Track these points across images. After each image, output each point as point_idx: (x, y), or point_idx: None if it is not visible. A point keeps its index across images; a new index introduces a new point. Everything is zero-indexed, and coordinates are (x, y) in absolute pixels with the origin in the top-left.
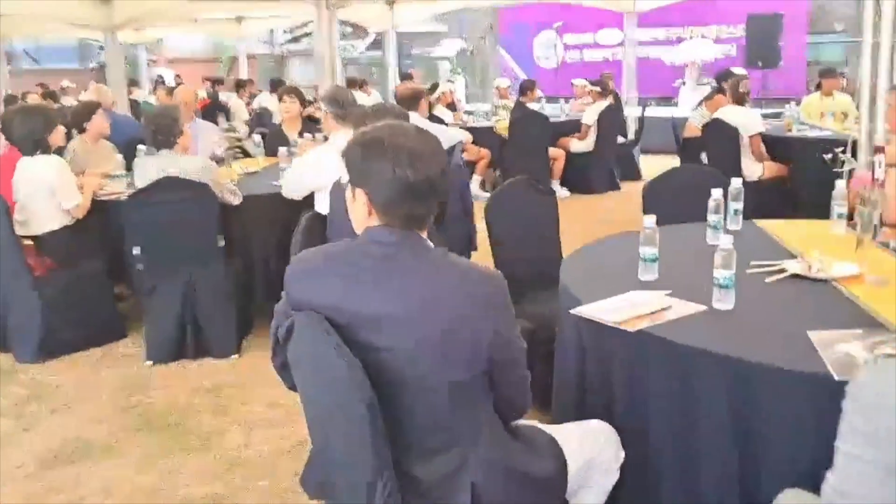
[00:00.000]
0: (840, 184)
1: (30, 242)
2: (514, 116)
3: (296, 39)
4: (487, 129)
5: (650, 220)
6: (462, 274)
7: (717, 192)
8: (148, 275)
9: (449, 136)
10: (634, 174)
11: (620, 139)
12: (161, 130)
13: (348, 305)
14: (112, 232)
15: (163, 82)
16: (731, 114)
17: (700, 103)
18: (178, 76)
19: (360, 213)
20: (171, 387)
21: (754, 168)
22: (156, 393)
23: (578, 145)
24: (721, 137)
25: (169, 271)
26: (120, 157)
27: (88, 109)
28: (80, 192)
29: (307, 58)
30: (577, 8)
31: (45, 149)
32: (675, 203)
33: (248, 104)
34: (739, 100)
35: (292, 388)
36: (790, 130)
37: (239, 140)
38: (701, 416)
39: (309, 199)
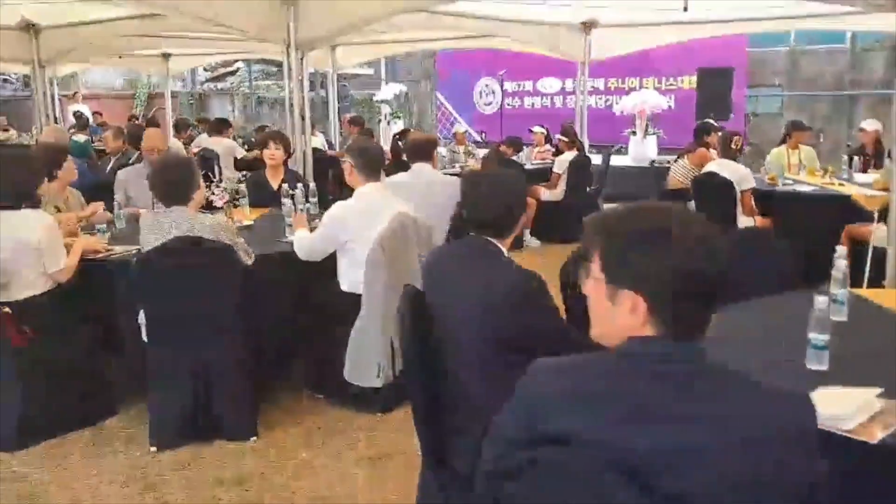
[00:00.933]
0: None
1: (7, 309)
2: (489, 163)
3: (217, 78)
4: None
5: (822, 300)
6: (771, 396)
7: (841, 263)
8: (155, 348)
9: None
10: None
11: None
12: (176, 184)
13: (631, 440)
14: (101, 296)
15: (87, 122)
16: (724, 168)
17: (681, 156)
18: (98, 113)
19: (626, 321)
20: (189, 479)
21: (747, 223)
22: (172, 488)
23: (548, 194)
24: (713, 191)
25: (181, 343)
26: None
27: (59, 155)
28: (66, 253)
29: (227, 97)
30: (517, 55)
31: (35, 203)
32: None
33: (185, 146)
34: (732, 154)
35: None
36: (774, 184)
37: (237, 192)
38: None
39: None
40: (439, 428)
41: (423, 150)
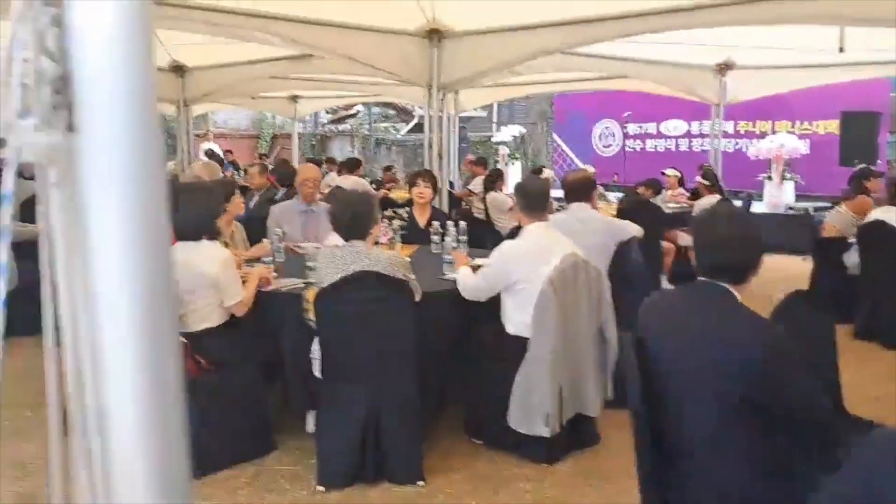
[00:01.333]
0: None
1: (183, 340)
2: (626, 205)
3: (338, 121)
4: None
5: None
6: None
7: None
8: (329, 383)
9: (625, 230)
10: None
11: None
12: (360, 218)
13: None
14: (266, 329)
15: (221, 160)
16: (891, 215)
17: (838, 202)
18: (228, 151)
19: None
20: None
21: None
22: None
23: (687, 239)
24: (882, 241)
25: (356, 380)
26: (267, 241)
27: (228, 189)
28: (241, 286)
29: (348, 138)
30: (636, 97)
31: (213, 235)
32: None
33: None
34: None
35: None
36: None
37: (403, 227)
38: None
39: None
40: (667, 487)
41: (582, 189)
